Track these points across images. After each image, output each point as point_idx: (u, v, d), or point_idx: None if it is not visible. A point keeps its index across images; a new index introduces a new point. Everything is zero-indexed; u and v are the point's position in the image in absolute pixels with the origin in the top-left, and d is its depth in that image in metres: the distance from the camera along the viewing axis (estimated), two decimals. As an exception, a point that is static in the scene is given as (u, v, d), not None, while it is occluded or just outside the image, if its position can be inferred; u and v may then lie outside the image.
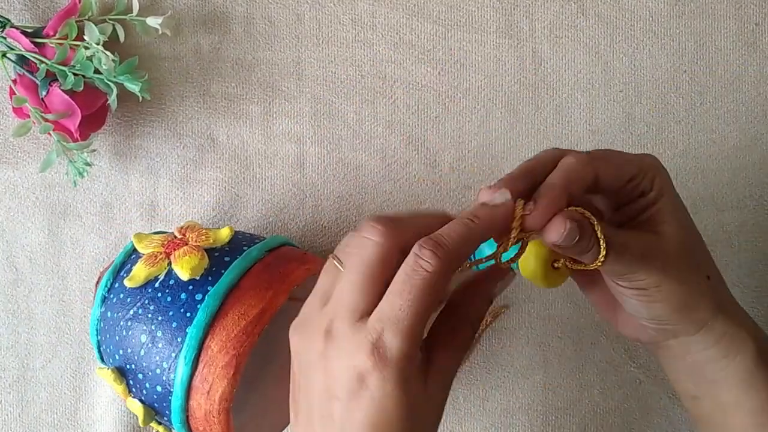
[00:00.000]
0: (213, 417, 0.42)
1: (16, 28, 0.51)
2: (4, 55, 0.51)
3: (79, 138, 0.51)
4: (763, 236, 0.54)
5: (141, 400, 0.44)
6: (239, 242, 0.46)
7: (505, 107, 0.54)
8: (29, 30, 0.51)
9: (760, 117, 0.54)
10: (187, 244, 0.45)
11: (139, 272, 0.44)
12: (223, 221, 0.54)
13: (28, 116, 0.50)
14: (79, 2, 0.52)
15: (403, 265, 0.33)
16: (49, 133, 0.50)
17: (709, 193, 0.54)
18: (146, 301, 0.43)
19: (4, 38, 0.51)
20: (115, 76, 0.50)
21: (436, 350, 0.35)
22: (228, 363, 0.41)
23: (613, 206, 0.40)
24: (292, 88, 0.55)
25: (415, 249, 0.33)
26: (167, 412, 0.43)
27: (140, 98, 0.51)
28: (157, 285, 0.44)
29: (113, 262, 0.47)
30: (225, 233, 0.46)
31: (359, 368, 0.32)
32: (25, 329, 0.55)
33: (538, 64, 0.54)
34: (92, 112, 0.51)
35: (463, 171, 0.54)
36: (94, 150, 0.53)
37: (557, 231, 0.34)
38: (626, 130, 0.54)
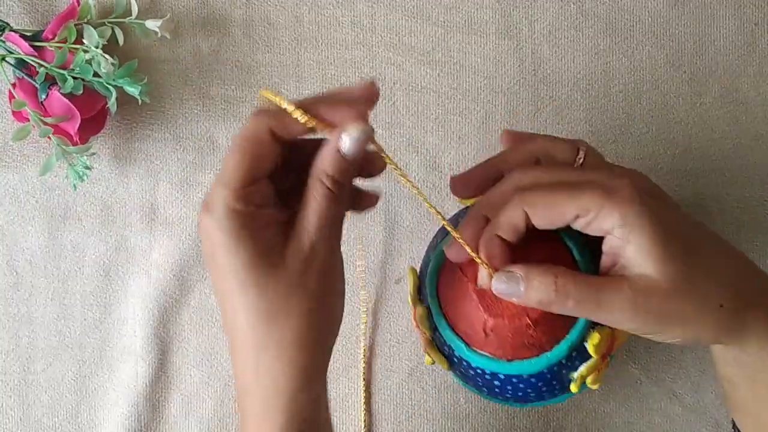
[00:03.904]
0: None
1: (15, 31, 0.51)
2: (3, 59, 0.50)
3: (78, 141, 0.51)
4: (763, 236, 0.54)
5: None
6: None
7: (505, 108, 0.54)
8: (28, 33, 0.51)
9: (760, 117, 0.54)
10: None
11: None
12: (223, 223, 0.54)
13: (28, 120, 0.50)
14: (78, 5, 0.52)
15: None
16: (49, 137, 0.50)
17: (710, 193, 0.53)
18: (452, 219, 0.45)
19: (3, 42, 0.51)
20: (114, 80, 0.50)
21: (297, 218, 0.36)
22: None
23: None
24: (291, 90, 0.54)
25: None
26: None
27: (139, 101, 0.51)
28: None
29: None
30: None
31: (199, 217, 0.35)
32: (25, 332, 0.55)
33: (537, 64, 0.54)
34: (92, 116, 0.51)
35: (463, 172, 0.54)
36: (94, 153, 0.53)
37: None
38: (626, 130, 0.54)
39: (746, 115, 0.54)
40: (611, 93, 0.54)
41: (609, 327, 0.39)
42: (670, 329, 0.37)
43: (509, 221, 0.37)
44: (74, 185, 0.52)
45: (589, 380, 0.41)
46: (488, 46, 0.54)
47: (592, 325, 0.39)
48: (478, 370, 0.41)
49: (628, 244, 0.35)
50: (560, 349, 0.39)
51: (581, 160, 0.40)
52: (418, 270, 0.45)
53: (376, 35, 0.54)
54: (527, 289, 0.36)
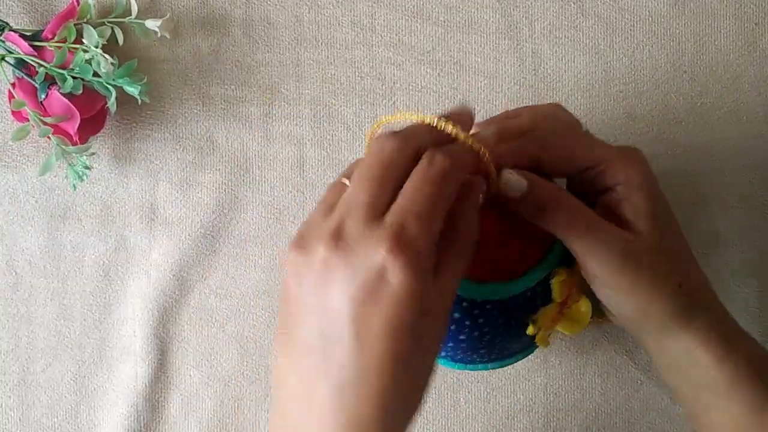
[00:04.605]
0: None
1: (15, 31, 0.51)
2: (2, 59, 0.50)
3: (78, 141, 0.51)
4: (763, 237, 0.53)
5: None
6: None
7: (505, 108, 0.54)
8: (28, 33, 0.51)
9: (761, 117, 0.54)
10: None
11: None
12: (222, 223, 0.54)
13: (27, 120, 0.50)
14: (78, 5, 0.52)
15: (417, 166, 0.33)
16: (48, 137, 0.50)
17: (710, 193, 0.53)
18: None
19: (3, 42, 0.51)
20: (114, 79, 0.50)
21: (441, 250, 0.34)
22: None
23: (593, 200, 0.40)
24: (291, 90, 0.54)
25: (427, 153, 0.33)
26: None
27: (139, 101, 0.51)
28: None
29: None
30: None
31: (379, 263, 0.30)
32: (25, 332, 0.54)
33: (538, 64, 0.54)
34: (91, 116, 0.51)
35: (463, 172, 0.54)
36: (94, 153, 0.53)
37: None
38: (626, 130, 0.54)
39: (747, 115, 0.54)
40: (611, 93, 0.54)
41: (572, 273, 0.40)
42: (632, 288, 0.38)
43: (521, 151, 0.38)
44: (74, 185, 0.52)
45: (541, 334, 0.41)
46: (488, 46, 0.54)
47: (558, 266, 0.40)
48: None
49: (626, 201, 0.38)
50: (531, 277, 0.39)
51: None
52: None
53: (376, 35, 0.54)
54: (532, 184, 0.37)
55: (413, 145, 0.33)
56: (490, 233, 0.39)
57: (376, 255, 0.30)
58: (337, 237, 0.31)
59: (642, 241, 0.38)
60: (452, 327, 0.40)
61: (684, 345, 0.40)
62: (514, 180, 0.37)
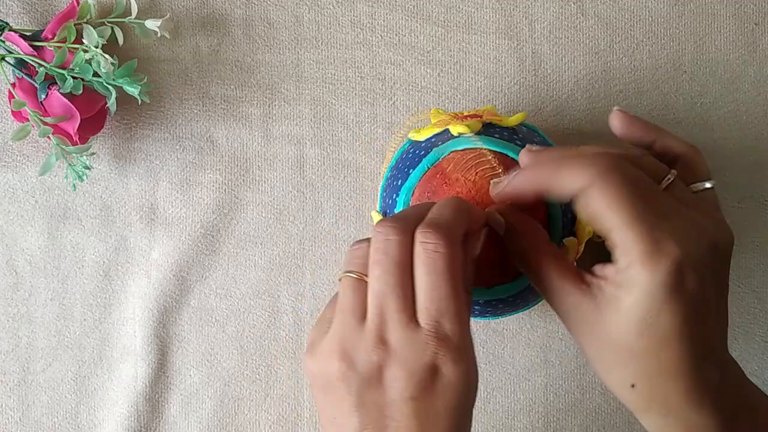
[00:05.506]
0: None
1: (15, 31, 0.51)
2: (2, 59, 0.50)
3: (78, 141, 0.51)
4: (763, 237, 0.54)
5: None
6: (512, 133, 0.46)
7: (506, 108, 0.54)
8: (28, 33, 0.51)
9: (761, 117, 0.54)
10: (480, 117, 0.46)
11: (426, 130, 0.46)
12: (222, 223, 0.54)
13: (27, 120, 0.50)
14: (78, 5, 0.51)
15: (417, 258, 0.35)
16: (48, 137, 0.50)
17: (710, 193, 0.53)
18: (407, 155, 0.46)
19: (3, 42, 0.51)
20: (113, 79, 0.50)
21: None
22: None
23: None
24: (291, 90, 0.54)
25: (418, 238, 0.35)
26: None
27: (139, 101, 0.51)
28: (422, 143, 0.46)
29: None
30: (514, 119, 0.46)
31: (429, 361, 0.34)
32: (25, 333, 0.55)
33: (538, 64, 0.54)
34: (91, 116, 0.51)
35: (463, 172, 0.54)
36: (94, 153, 0.53)
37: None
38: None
39: (747, 116, 0.54)
40: (611, 93, 0.54)
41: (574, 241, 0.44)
42: (587, 357, 0.39)
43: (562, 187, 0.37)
44: (74, 185, 0.52)
45: None
46: (488, 45, 0.54)
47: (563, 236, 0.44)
48: None
49: (614, 289, 0.36)
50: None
51: (668, 183, 0.39)
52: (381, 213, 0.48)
53: (376, 35, 0.54)
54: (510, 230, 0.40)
55: (413, 229, 0.36)
56: (489, 240, 0.41)
57: (425, 355, 0.34)
58: (384, 345, 0.35)
59: (600, 324, 0.36)
60: None
61: (653, 426, 0.38)
62: (494, 219, 0.40)
